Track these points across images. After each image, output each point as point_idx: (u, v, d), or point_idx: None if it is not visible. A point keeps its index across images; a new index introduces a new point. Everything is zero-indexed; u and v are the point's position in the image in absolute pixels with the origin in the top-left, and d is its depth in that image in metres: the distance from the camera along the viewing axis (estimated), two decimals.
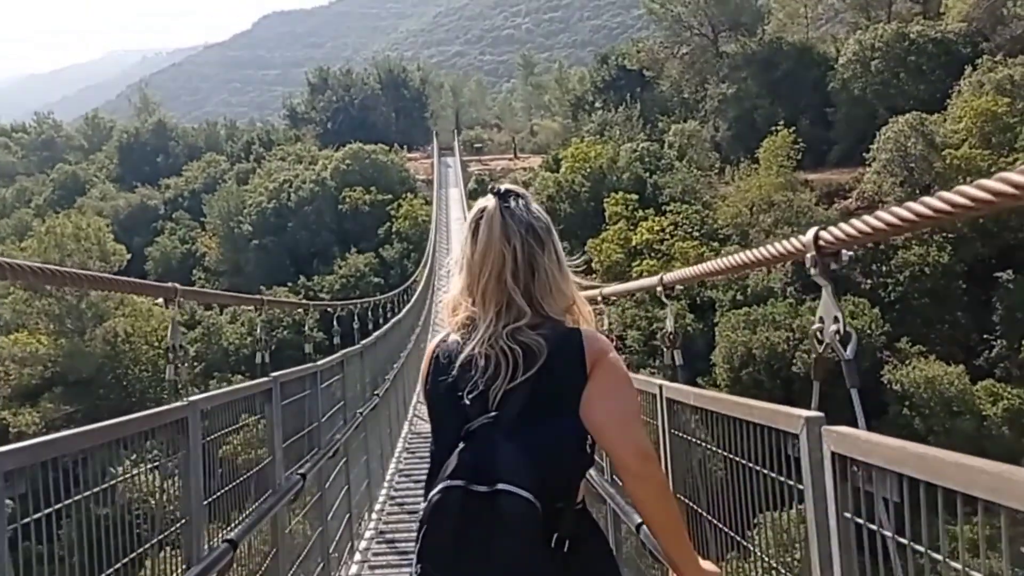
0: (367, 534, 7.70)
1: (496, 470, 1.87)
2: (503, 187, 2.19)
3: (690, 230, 37.32)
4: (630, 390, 2.11)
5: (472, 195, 48.52)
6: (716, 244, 35.81)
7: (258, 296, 5.03)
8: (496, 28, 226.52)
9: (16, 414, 34.75)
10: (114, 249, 41.65)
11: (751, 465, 2.17)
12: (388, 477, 9.88)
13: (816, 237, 1.82)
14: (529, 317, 2.04)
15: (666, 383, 3.12)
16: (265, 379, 4.13)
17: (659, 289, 3.36)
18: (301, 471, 4.37)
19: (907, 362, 29.18)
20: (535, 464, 1.89)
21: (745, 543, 2.38)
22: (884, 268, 33.16)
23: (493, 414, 1.95)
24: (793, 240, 1.98)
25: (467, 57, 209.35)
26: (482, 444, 1.92)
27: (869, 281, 33.44)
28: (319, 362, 5.55)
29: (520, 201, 2.14)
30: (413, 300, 19.49)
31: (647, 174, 42.55)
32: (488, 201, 2.15)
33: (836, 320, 1.84)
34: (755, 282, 32.95)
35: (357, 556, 7.05)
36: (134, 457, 2.73)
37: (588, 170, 43.43)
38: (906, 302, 32.25)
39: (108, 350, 37.50)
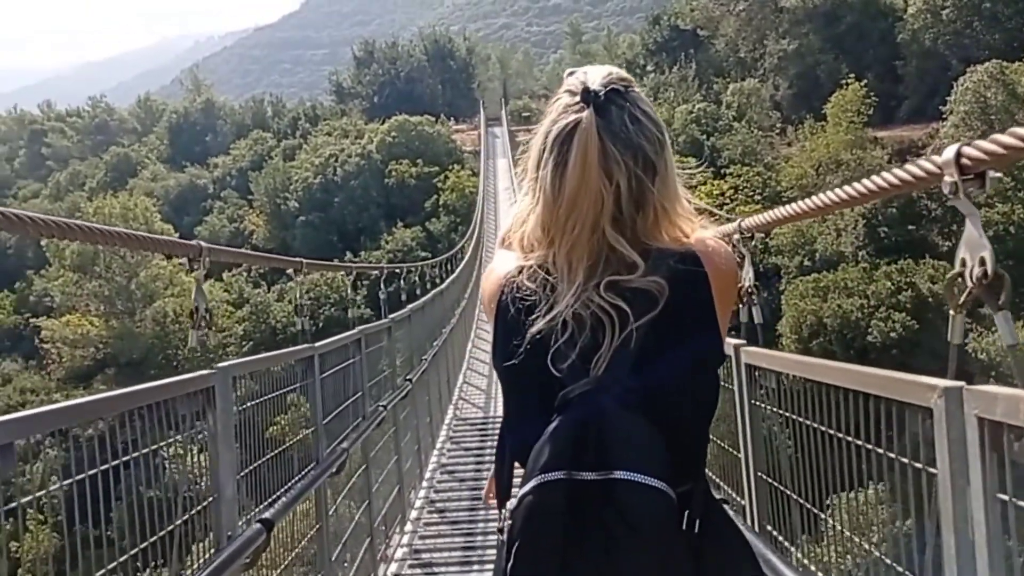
0: (399, 553, 6.43)
1: (608, 449, 1.38)
2: (602, 87, 1.52)
3: (751, 193, 35.49)
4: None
5: (519, 165, 47.14)
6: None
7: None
8: None
9: (69, 396, 34.80)
10: (161, 229, 41.39)
11: (871, 448, 1.87)
12: (428, 475, 8.64)
13: (958, 155, 1.46)
14: (634, 263, 1.50)
15: (746, 345, 2.73)
16: (208, 372, 2.87)
17: (736, 238, 2.86)
18: (266, 515, 3.06)
19: (992, 329, 27.19)
20: (659, 424, 1.41)
21: (832, 521, 2.18)
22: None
23: (597, 377, 1.44)
24: (924, 162, 1.63)
25: (514, 29, 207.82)
26: (585, 416, 1.41)
27: (948, 243, 31.28)
28: (316, 344, 4.25)
29: (625, 110, 1.51)
30: (459, 271, 18.20)
31: (704, 136, 40.78)
32: (580, 111, 1.50)
33: (983, 262, 1.43)
34: (824, 246, 31.11)
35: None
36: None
37: None
38: None
39: (158, 331, 37.48)
